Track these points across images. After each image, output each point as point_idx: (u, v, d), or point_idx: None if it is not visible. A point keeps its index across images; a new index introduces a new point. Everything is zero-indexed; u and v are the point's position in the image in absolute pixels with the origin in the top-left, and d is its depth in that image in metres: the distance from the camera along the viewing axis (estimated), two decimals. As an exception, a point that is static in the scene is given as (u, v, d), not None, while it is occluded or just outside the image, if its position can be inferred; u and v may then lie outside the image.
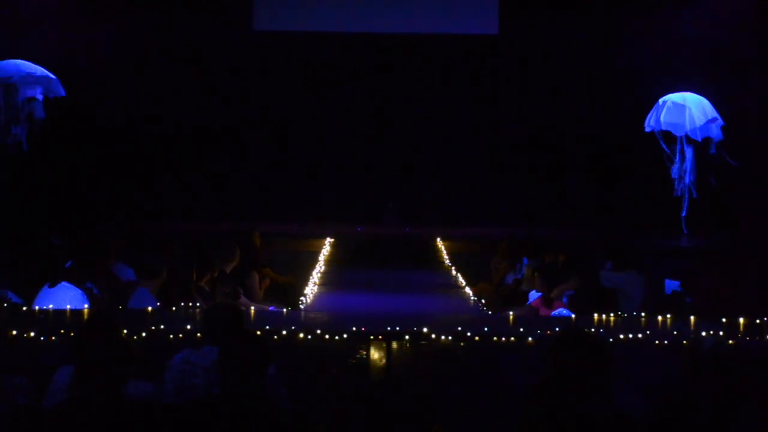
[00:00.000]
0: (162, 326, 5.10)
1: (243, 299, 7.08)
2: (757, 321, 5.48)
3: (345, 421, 4.92)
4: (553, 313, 6.18)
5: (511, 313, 6.25)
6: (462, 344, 5.05)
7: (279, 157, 12.84)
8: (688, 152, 10.53)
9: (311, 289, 7.47)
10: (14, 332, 4.95)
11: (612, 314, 5.80)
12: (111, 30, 11.30)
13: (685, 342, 4.99)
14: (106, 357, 3.72)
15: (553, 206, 12.45)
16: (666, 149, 10.59)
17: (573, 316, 5.98)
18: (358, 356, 5.04)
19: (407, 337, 5.04)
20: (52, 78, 10.02)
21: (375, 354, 5.03)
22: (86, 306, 5.79)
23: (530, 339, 5.05)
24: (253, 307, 6.56)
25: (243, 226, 9.81)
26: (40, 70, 9.99)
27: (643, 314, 5.94)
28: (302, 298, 7.09)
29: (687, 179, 10.56)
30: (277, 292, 8.39)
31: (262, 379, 3.76)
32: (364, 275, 8.44)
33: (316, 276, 8.19)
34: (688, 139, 10.40)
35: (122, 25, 11.48)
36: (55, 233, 8.26)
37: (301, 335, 5.06)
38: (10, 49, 10.06)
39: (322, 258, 9.17)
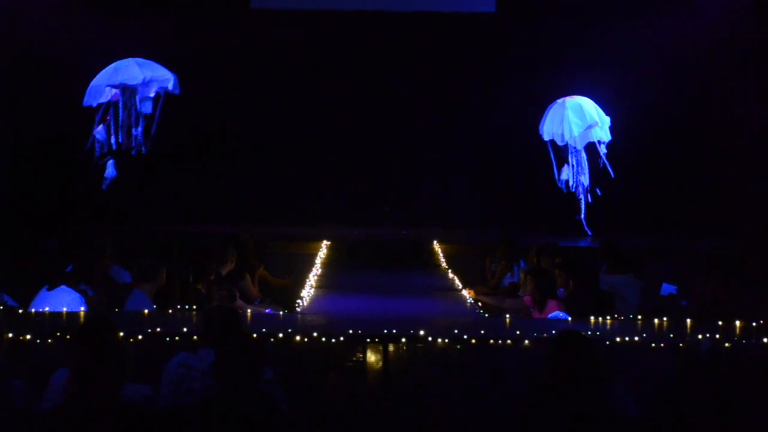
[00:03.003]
0: (158, 329, 5.09)
1: (239, 302, 7.09)
2: (753, 324, 5.50)
3: (342, 423, 4.91)
4: (549, 315, 6.18)
5: (507, 316, 6.26)
6: (458, 347, 5.05)
7: (276, 157, 12.79)
8: (579, 156, 10.77)
9: (308, 292, 7.47)
10: (10, 335, 4.95)
11: (608, 317, 5.81)
12: (97, 15, 11.28)
13: (681, 345, 5.00)
14: (103, 360, 3.73)
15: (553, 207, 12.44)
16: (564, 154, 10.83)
17: (569, 318, 5.99)
18: (354, 359, 5.04)
19: (404, 339, 5.04)
20: (170, 76, 10.03)
21: (372, 357, 5.03)
22: (83, 309, 5.79)
23: (527, 342, 5.05)
24: (249, 310, 6.57)
25: (239, 229, 9.80)
26: (160, 69, 10.01)
27: (639, 317, 5.95)
28: (299, 300, 7.08)
29: (579, 182, 10.80)
30: (273, 294, 8.39)
31: (256, 382, 3.77)
32: (360, 278, 8.44)
33: (312, 279, 8.19)
34: (587, 144, 10.68)
35: (110, 9, 11.43)
36: (44, 238, 8.25)
37: (298, 338, 5.06)
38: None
39: (318, 261, 9.17)
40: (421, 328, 5.11)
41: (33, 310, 5.80)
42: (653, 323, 5.56)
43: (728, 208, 11.22)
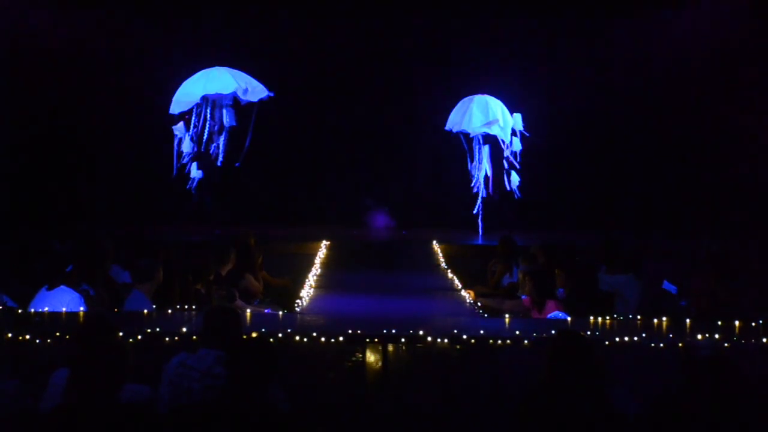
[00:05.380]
0: (158, 329, 5.09)
1: (239, 302, 7.08)
2: (753, 324, 5.49)
3: (341, 423, 4.91)
4: (549, 316, 6.18)
5: (507, 316, 6.26)
6: (458, 347, 5.05)
7: (276, 158, 12.77)
8: (483, 151, 10.99)
9: (307, 292, 7.47)
10: (10, 335, 4.95)
11: (608, 317, 5.81)
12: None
13: (680, 345, 5.00)
14: (102, 360, 3.72)
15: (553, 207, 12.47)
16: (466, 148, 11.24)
17: (569, 318, 5.99)
18: (354, 359, 5.04)
19: (403, 339, 5.04)
20: (262, 86, 10.08)
21: (371, 357, 5.03)
22: (82, 309, 5.79)
23: (526, 342, 5.05)
24: (249, 310, 6.56)
25: (239, 229, 9.79)
26: (252, 80, 10.06)
27: (638, 317, 5.95)
28: (298, 300, 7.08)
29: (481, 177, 11.03)
30: (273, 294, 8.39)
31: (266, 387, 3.78)
32: (360, 278, 8.44)
33: (312, 279, 8.19)
34: (485, 139, 10.92)
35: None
36: (59, 239, 8.25)
37: (298, 338, 5.06)
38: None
39: (318, 261, 9.17)
40: (421, 328, 5.11)
41: (32, 310, 5.79)
42: (653, 323, 5.56)
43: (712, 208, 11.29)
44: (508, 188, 11.33)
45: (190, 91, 10.24)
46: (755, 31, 10.47)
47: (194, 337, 4.89)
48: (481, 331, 5.15)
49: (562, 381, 3.84)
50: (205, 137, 10.35)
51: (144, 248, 7.59)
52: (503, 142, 11.15)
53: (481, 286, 8.47)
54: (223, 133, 10.36)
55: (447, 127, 11.30)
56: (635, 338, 5.11)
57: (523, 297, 7.05)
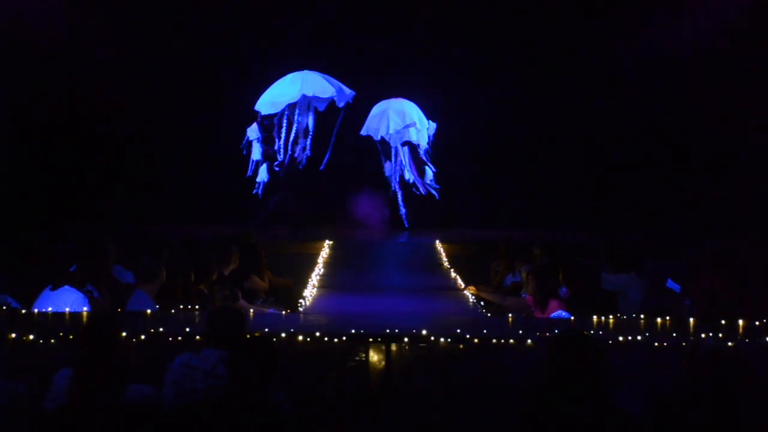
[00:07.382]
0: (161, 329, 5.09)
1: (242, 302, 7.08)
2: (756, 323, 5.49)
3: (344, 423, 4.91)
4: (552, 315, 6.18)
5: (510, 315, 6.25)
6: (461, 346, 5.05)
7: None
8: (402, 153, 11.11)
9: (310, 292, 7.47)
10: (13, 335, 4.95)
11: (611, 316, 5.81)
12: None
13: (684, 344, 4.99)
14: (105, 360, 3.73)
15: (552, 207, 12.46)
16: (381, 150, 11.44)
17: (572, 318, 5.98)
18: (357, 358, 5.04)
19: (406, 339, 5.05)
20: (350, 91, 10.15)
21: (374, 356, 5.03)
22: (86, 309, 5.79)
23: (529, 341, 5.05)
24: (252, 310, 6.57)
25: (241, 229, 9.79)
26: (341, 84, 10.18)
27: (642, 316, 5.94)
28: (301, 300, 7.09)
29: (399, 179, 11.15)
30: (276, 294, 8.40)
31: (267, 386, 3.78)
32: (363, 277, 8.44)
33: (315, 278, 8.19)
34: (403, 142, 11.03)
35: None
36: (61, 239, 8.26)
37: (300, 338, 5.06)
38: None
39: (321, 260, 9.17)
40: (424, 328, 5.11)
41: (36, 310, 5.80)
42: (656, 322, 5.56)
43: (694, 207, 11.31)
44: (422, 188, 11.51)
45: (285, 93, 10.35)
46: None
47: (198, 337, 4.90)
48: (485, 331, 5.15)
49: (565, 380, 3.83)
50: (290, 139, 10.49)
51: (147, 248, 7.60)
52: (419, 145, 11.36)
53: (484, 286, 8.46)
54: (309, 137, 10.51)
55: (363, 132, 11.44)
56: (638, 337, 5.11)
57: (524, 296, 7.04)
